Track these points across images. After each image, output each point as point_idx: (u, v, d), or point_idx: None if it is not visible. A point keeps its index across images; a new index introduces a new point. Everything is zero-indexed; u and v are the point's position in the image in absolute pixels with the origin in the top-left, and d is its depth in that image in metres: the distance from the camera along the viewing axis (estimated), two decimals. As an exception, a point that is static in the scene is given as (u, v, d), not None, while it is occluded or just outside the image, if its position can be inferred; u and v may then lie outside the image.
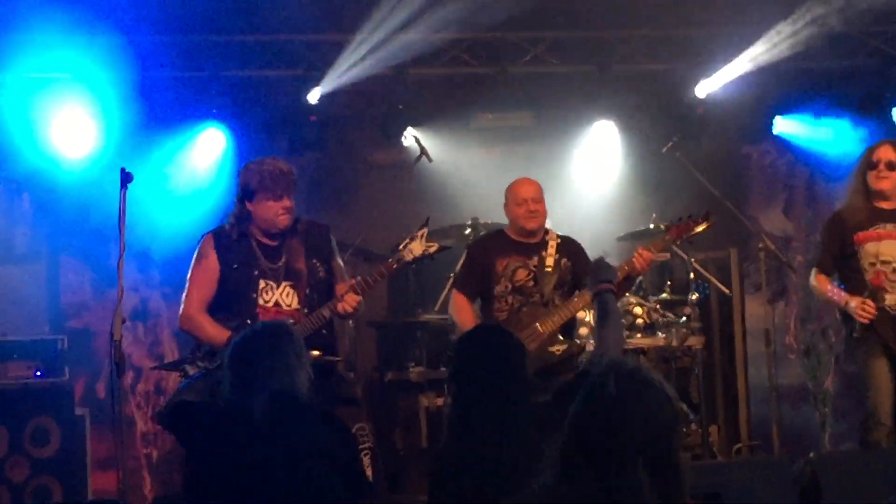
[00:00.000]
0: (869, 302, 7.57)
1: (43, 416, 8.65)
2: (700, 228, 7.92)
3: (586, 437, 3.23)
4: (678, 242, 8.13)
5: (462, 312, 7.74)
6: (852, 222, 7.90)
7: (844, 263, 7.90)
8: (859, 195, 7.96)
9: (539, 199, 7.90)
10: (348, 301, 6.91)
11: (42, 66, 9.67)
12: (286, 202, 7.02)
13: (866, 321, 7.58)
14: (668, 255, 9.77)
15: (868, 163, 7.95)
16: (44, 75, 9.75)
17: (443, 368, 9.24)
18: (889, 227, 7.85)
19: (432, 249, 7.10)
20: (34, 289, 10.06)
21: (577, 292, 7.73)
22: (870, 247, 7.81)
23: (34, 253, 10.14)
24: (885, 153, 7.94)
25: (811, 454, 7.51)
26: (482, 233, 9.43)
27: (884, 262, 7.73)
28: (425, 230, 7.17)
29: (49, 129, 9.82)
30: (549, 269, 7.69)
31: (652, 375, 3.31)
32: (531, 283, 7.71)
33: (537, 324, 7.56)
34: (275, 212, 7.01)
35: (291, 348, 5.29)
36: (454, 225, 9.89)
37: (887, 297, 7.69)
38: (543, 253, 7.75)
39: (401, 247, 7.22)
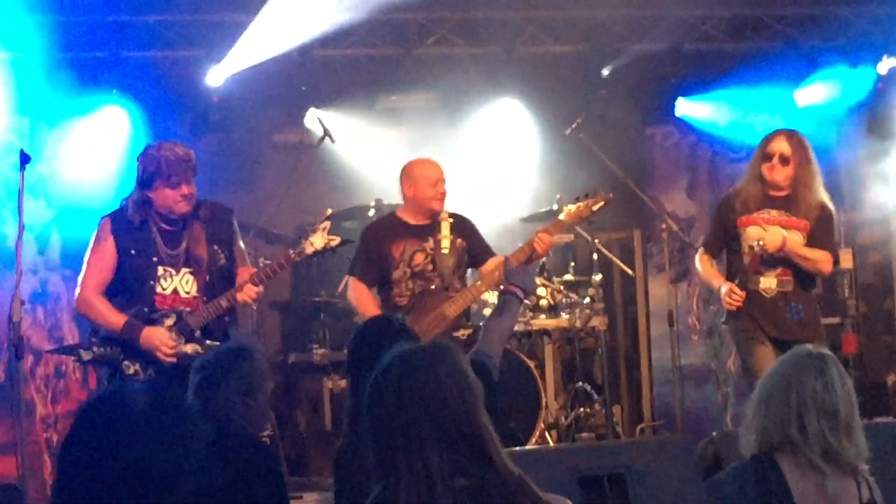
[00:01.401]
0: (736, 289, 7.68)
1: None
2: (598, 207, 7.94)
3: (379, 420, 3.35)
4: (577, 223, 8.19)
5: (362, 299, 7.76)
6: (741, 206, 7.97)
7: (729, 246, 7.98)
8: (754, 182, 8.03)
9: (444, 180, 7.96)
10: (247, 292, 6.95)
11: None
12: (184, 189, 6.98)
13: (732, 308, 7.71)
14: (571, 236, 9.83)
15: (763, 154, 8.05)
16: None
17: (346, 350, 9.17)
18: (774, 213, 7.93)
19: (334, 243, 7.17)
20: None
21: (477, 277, 7.83)
22: (751, 230, 7.86)
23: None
24: (778, 146, 8.02)
25: (713, 434, 7.58)
26: (388, 209, 9.44)
27: (761, 247, 7.76)
28: (328, 224, 7.22)
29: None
30: (447, 252, 7.71)
31: (446, 355, 3.41)
32: (430, 267, 7.73)
33: (442, 308, 7.57)
34: (173, 199, 6.97)
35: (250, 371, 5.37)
36: (358, 206, 9.96)
37: (762, 280, 7.78)
38: (438, 235, 7.76)
39: (302, 239, 7.28)
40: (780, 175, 7.93)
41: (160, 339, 6.85)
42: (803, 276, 7.90)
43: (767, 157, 7.95)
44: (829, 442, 4.05)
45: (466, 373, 3.46)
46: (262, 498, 5.04)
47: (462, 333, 7.59)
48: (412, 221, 7.83)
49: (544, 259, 9.47)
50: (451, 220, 7.84)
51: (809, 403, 4.07)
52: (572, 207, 7.92)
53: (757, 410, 4.18)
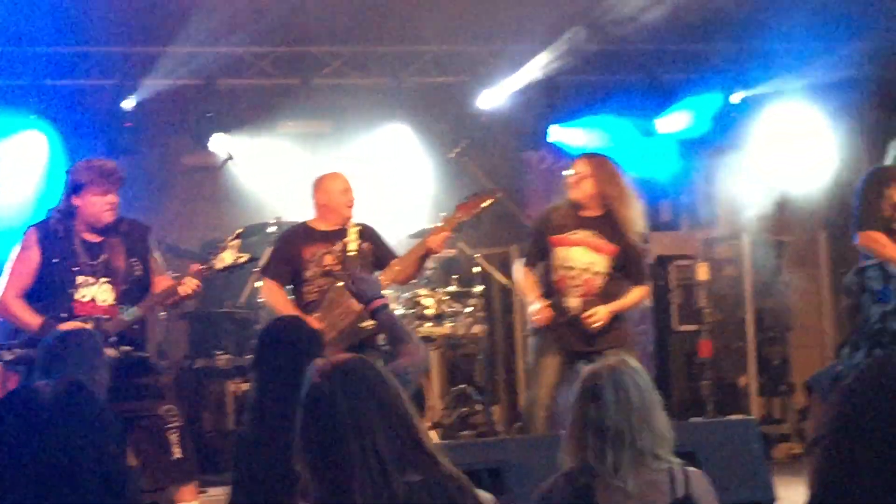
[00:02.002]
0: (544, 310, 7.80)
1: None
2: (486, 203, 8.04)
3: (323, 419, 3.29)
4: (469, 218, 8.13)
5: (276, 297, 7.81)
6: (553, 224, 8.05)
7: (543, 262, 8.08)
8: (566, 202, 8.13)
9: (352, 190, 8.05)
10: (188, 284, 7.04)
11: None
12: (111, 198, 7.00)
13: (538, 325, 7.87)
14: (454, 250, 9.97)
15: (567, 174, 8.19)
16: None
17: (248, 356, 8.92)
18: (581, 233, 8.00)
19: (241, 260, 7.27)
20: None
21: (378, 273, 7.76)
22: (559, 251, 7.99)
23: None
24: (578, 166, 8.15)
25: None
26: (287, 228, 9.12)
27: (567, 268, 7.90)
28: (238, 241, 7.30)
29: None
30: (354, 253, 7.69)
31: (366, 371, 3.37)
32: (338, 268, 7.73)
33: (350, 303, 7.44)
34: (100, 207, 6.98)
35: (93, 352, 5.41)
36: (259, 223, 9.90)
37: (570, 300, 7.87)
38: (346, 239, 7.73)
39: (212, 255, 7.35)
40: (578, 193, 8.04)
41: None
42: (610, 296, 7.99)
43: (570, 177, 8.14)
44: (606, 455, 3.97)
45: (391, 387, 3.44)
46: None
47: (367, 324, 7.46)
48: (322, 228, 7.88)
49: (430, 271, 9.56)
50: (358, 227, 7.85)
51: (588, 426, 4.02)
52: (463, 204, 8.03)
53: (565, 434, 4.18)
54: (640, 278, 8.23)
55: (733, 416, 9.57)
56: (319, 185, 8.06)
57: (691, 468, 4.20)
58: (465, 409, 9.94)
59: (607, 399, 4.01)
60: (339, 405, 3.26)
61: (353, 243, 7.73)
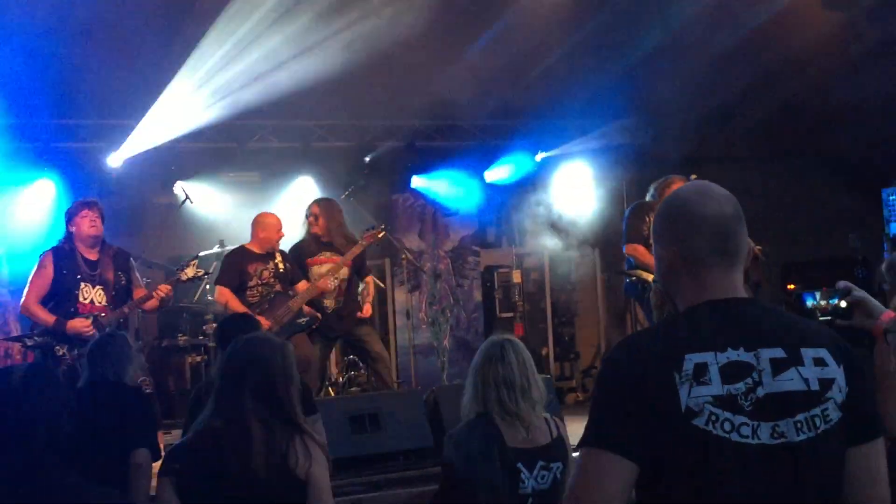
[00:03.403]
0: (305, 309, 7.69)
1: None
2: (381, 234, 8.09)
3: (224, 378, 3.49)
4: (368, 244, 8.12)
5: (228, 298, 7.54)
6: (307, 251, 8.08)
7: (305, 276, 7.94)
8: (311, 235, 8.15)
9: (282, 226, 7.92)
10: (162, 289, 7.02)
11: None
12: (92, 216, 6.96)
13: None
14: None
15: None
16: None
17: (200, 337, 9.12)
18: (328, 254, 8.06)
19: (199, 273, 7.31)
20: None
21: (304, 283, 7.81)
22: (315, 268, 8.00)
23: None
24: (310, 209, 8.22)
25: (434, 387, 7.69)
26: (227, 250, 9.05)
27: (321, 276, 7.84)
28: (196, 261, 7.38)
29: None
30: (283, 270, 7.68)
31: (276, 344, 3.56)
32: (272, 279, 7.64)
33: (289, 304, 7.54)
34: (86, 223, 6.94)
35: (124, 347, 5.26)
36: (209, 246, 9.72)
37: (325, 301, 7.91)
38: (276, 260, 7.69)
39: (178, 270, 7.37)
40: (315, 228, 8.12)
41: (80, 324, 6.79)
42: (352, 296, 8.16)
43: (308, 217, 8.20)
44: (508, 404, 3.84)
45: (287, 356, 3.53)
46: (137, 421, 4.96)
47: (302, 320, 7.59)
48: (257, 251, 7.71)
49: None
50: (281, 252, 7.81)
51: (492, 381, 3.86)
52: (367, 234, 8.03)
53: (468, 387, 3.99)
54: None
55: (538, 375, 9.38)
56: (260, 221, 7.86)
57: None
58: (352, 373, 9.66)
59: (510, 360, 3.89)
60: (235, 367, 3.48)
61: (280, 263, 7.69)
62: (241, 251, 7.84)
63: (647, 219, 7.50)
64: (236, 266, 7.68)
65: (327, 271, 7.90)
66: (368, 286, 8.75)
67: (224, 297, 7.60)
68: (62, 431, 2.55)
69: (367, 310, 8.65)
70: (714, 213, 2.20)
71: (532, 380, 3.93)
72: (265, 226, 7.80)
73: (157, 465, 5.13)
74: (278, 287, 7.63)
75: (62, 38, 8.50)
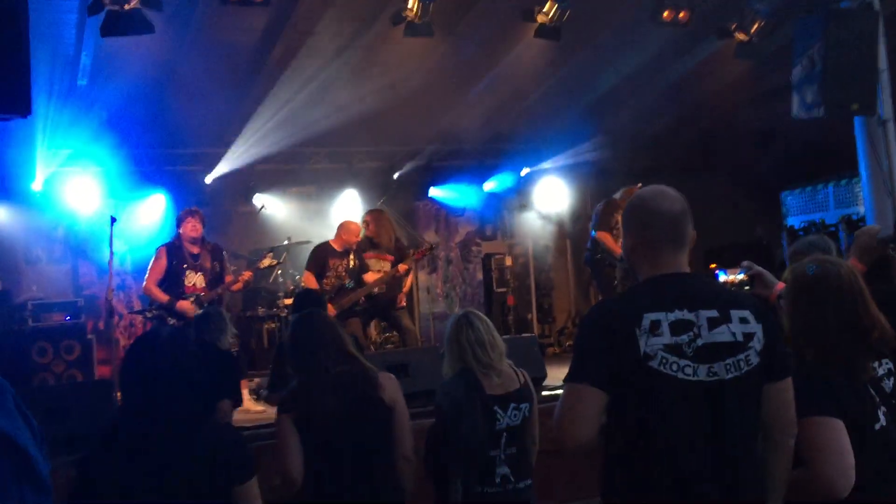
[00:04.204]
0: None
1: (71, 339, 8.24)
2: (429, 250, 7.84)
3: (298, 341, 3.39)
4: (420, 258, 7.87)
5: (310, 281, 7.29)
6: (363, 248, 7.68)
7: (323, 272, 7.45)
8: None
9: (360, 231, 7.70)
10: (245, 276, 6.99)
11: (72, 163, 9.24)
12: (194, 221, 6.94)
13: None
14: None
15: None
16: (71, 168, 9.30)
17: (274, 309, 8.73)
18: (375, 251, 7.76)
19: (273, 263, 7.31)
20: (64, 275, 9.75)
21: (371, 275, 7.55)
22: (372, 262, 7.65)
23: (64, 258, 9.81)
24: (365, 216, 7.96)
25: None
26: (294, 244, 9.16)
27: (376, 280, 7.44)
28: (270, 253, 7.42)
29: (67, 191, 9.48)
30: (353, 266, 7.45)
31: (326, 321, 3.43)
32: (344, 273, 7.41)
33: (351, 296, 7.34)
34: (190, 227, 6.94)
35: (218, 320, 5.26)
36: (279, 241, 9.46)
37: (375, 289, 7.45)
38: (349, 257, 7.45)
39: (257, 260, 7.35)
40: (368, 231, 7.79)
41: (186, 304, 6.80)
42: (397, 283, 7.73)
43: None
44: (482, 358, 3.65)
45: (335, 325, 3.48)
46: (224, 377, 4.90)
47: (363, 304, 7.47)
48: (338, 249, 7.47)
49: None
50: (355, 252, 7.55)
51: (466, 343, 3.67)
52: (417, 252, 7.77)
53: (447, 353, 3.77)
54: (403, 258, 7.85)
55: (525, 335, 9.33)
56: (345, 225, 7.62)
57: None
58: (387, 335, 9.54)
59: (477, 326, 3.71)
60: (307, 332, 3.39)
61: (352, 261, 7.51)
62: (326, 247, 7.55)
63: (616, 215, 7.20)
64: (321, 259, 7.46)
65: (379, 279, 7.58)
66: (406, 282, 8.36)
67: (308, 279, 7.44)
68: (195, 377, 2.48)
69: (402, 299, 8.38)
70: (667, 209, 2.22)
71: (495, 336, 3.76)
72: (347, 230, 7.56)
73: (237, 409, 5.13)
74: (346, 280, 7.38)
75: (169, 88, 8.57)
